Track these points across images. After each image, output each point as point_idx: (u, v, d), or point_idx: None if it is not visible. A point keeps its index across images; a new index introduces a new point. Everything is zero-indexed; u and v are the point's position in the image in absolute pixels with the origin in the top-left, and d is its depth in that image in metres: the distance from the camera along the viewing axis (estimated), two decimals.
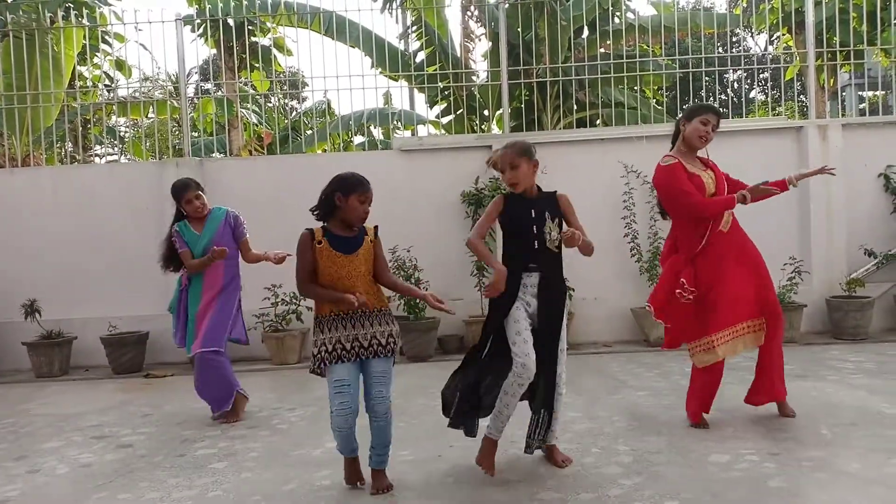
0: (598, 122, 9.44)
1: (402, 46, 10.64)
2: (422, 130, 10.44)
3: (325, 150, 10.95)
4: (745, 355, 3.90)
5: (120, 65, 10.95)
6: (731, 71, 8.89)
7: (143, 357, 6.71)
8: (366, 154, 8.61)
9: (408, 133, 11.52)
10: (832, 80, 12.29)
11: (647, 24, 9.32)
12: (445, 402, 3.32)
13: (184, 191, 4.51)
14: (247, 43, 9.69)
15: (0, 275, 7.10)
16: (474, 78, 10.66)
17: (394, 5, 10.53)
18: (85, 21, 8.05)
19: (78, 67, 9.88)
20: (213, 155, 12.49)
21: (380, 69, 9.17)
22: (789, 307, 6.33)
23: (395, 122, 11.23)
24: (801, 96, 10.99)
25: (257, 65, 11.46)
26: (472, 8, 10.77)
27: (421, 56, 10.59)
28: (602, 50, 10.66)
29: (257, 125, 13.81)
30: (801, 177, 3.88)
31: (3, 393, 5.95)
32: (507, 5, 8.08)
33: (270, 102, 14.55)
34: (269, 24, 9.78)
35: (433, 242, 6.81)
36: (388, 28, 25.21)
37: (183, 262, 4.52)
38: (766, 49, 16.96)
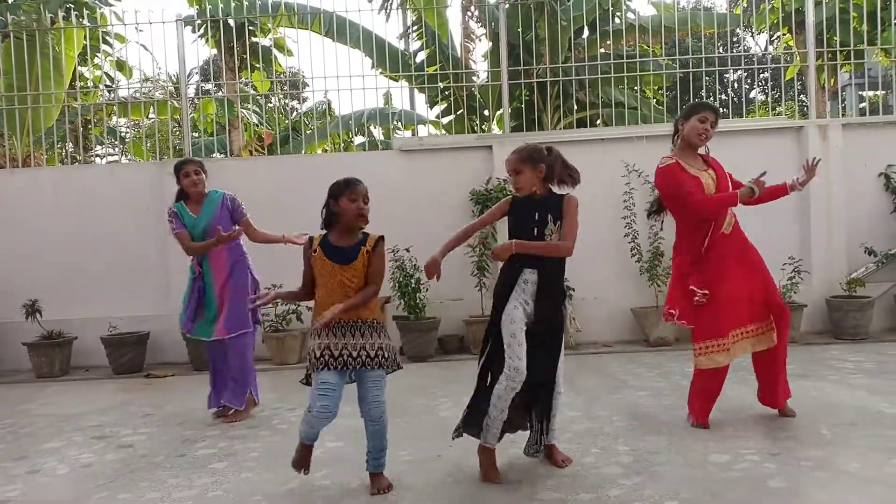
0: (598, 122, 9.44)
1: (402, 47, 10.64)
2: (422, 130, 10.44)
3: (325, 150, 10.96)
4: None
5: (120, 65, 10.96)
6: (732, 71, 8.89)
7: (144, 357, 6.72)
8: (366, 154, 8.61)
9: (408, 133, 11.53)
10: (832, 80, 12.29)
11: (647, 24, 9.32)
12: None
13: (184, 163, 4.55)
14: (247, 43, 9.70)
15: (0, 275, 7.11)
16: (474, 78, 10.66)
17: (392, 5, 10.53)
18: (85, 21, 8.06)
19: (78, 68, 9.89)
20: (214, 155, 12.49)
21: (380, 69, 9.17)
22: (789, 307, 6.33)
23: (395, 123, 11.24)
24: (802, 96, 10.98)
25: (258, 65, 11.47)
26: (473, 8, 10.78)
27: (421, 56, 10.60)
28: (602, 50, 10.67)
29: (258, 125, 13.81)
30: (804, 182, 3.79)
31: (3, 393, 5.95)
32: (507, 5, 8.08)
33: (271, 103, 14.56)
34: (269, 25, 9.79)
35: (433, 243, 6.68)
36: (389, 28, 25.19)
37: (180, 244, 4.50)
38: (766, 49, 16.95)
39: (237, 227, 4.44)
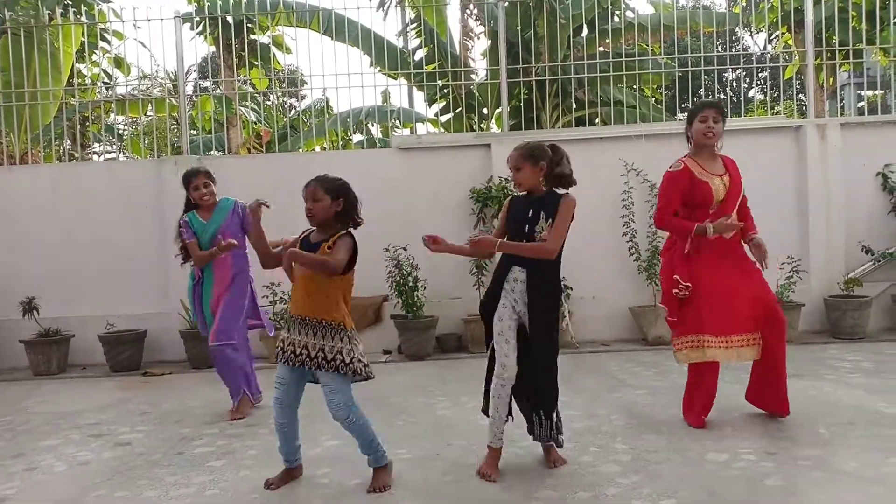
0: (597, 120, 9.45)
1: (400, 45, 10.63)
2: (420, 129, 10.44)
3: (323, 148, 10.95)
4: None
5: (119, 62, 10.93)
6: (731, 70, 8.88)
7: (141, 355, 6.71)
8: (364, 152, 8.60)
9: (406, 131, 11.52)
10: (831, 80, 12.28)
11: (646, 23, 9.32)
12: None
13: (193, 176, 4.53)
14: (246, 41, 9.68)
15: None
16: (473, 76, 10.64)
17: (391, 3, 10.52)
18: (83, 18, 8.05)
19: (76, 65, 9.86)
20: (212, 153, 12.47)
21: (378, 67, 9.16)
22: (787, 306, 6.34)
23: (393, 121, 11.22)
24: (800, 95, 11.00)
25: (256, 63, 11.43)
26: (472, 6, 10.77)
27: (420, 54, 10.59)
28: (601, 48, 10.66)
29: (256, 123, 13.78)
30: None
31: (0, 391, 5.94)
32: (506, 4, 8.07)
33: (269, 100, 14.54)
34: (268, 22, 9.77)
35: None
36: (387, 26, 25.20)
37: (191, 254, 4.52)
38: (765, 48, 16.95)
39: (232, 241, 4.39)
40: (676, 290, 3.69)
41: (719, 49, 7.83)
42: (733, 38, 8.60)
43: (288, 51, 12.76)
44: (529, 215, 3.16)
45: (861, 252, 6.75)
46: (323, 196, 3.02)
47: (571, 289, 6.60)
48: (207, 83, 12.41)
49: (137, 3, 9.03)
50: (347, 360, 2.94)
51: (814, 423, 3.71)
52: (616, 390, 4.79)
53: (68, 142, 11.25)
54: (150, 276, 7.01)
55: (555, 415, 3.22)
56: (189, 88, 12.39)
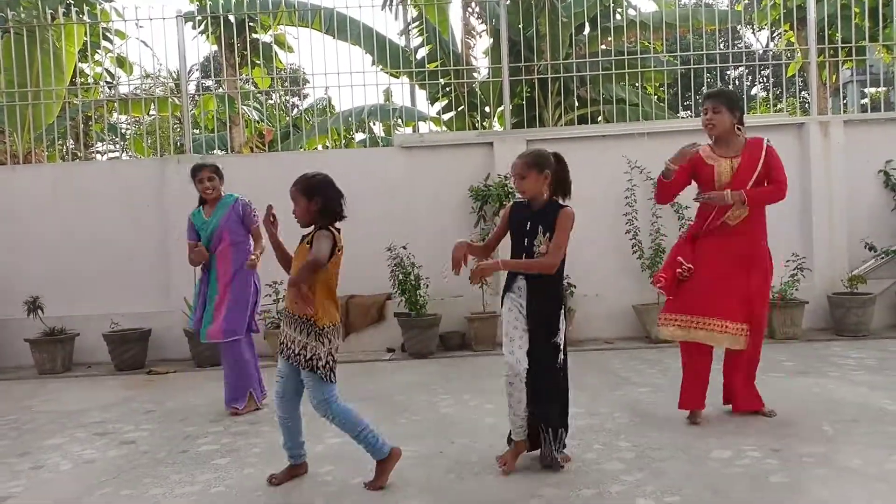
0: (599, 118, 9.43)
1: (402, 43, 10.62)
2: (423, 127, 10.43)
3: (326, 147, 10.95)
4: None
5: (121, 61, 10.94)
6: (733, 67, 8.88)
7: (146, 354, 6.72)
8: (367, 151, 8.61)
9: (409, 130, 11.51)
10: (834, 77, 12.25)
11: (648, 21, 9.31)
12: None
13: (199, 169, 4.57)
14: (248, 40, 9.68)
15: (2, 271, 7.12)
16: (475, 75, 10.64)
17: (394, 1, 10.51)
18: (86, 17, 8.06)
19: (79, 64, 9.88)
20: (215, 152, 12.47)
21: (380, 66, 9.16)
22: (791, 304, 6.34)
23: (395, 119, 11.22)
24: (803, 93, 10.97)
25: (258, 62, 11.45)
26: (473, 4, 10.75)
27: (422, 53, 10.57)
28: (603, 46, 10.63)
29: (258, 122, 13.79)
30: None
31: (5, 389, 5.96)
32: (507, 2, 8.07)
33: (271, 99, 14.54)
34: (270, 22, 9.77)
35: (433, 239, 6.80)
36: (389, 25, 25.16)
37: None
38: (767, 45, 16.92)
39: (202, 250, 4.47)
40: (680, 271, 3.75)
41: (721, 47, 7.82)
42: (735, 35, 8.58)
43: (290, 50, 12.78)
44: (528, 229, 3.19)
45: (864, 249, 6.74)
46: (299, 198, 3.05)
47: (575, 287, 6.60)
48: (210, 82, 12.42)
49: (139, 2, 9.07)
50: (321, 361, 2.96)
51: (818, 421, 3.71)
52: (619, 388, 4.79)
53: (71, 141, 11.28)
54: (152, 274, 7.02)
55: (561, 432, 3.17)
56: (191, 87, 12.39)
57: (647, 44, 9.55)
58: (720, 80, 7.80)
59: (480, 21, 10.84)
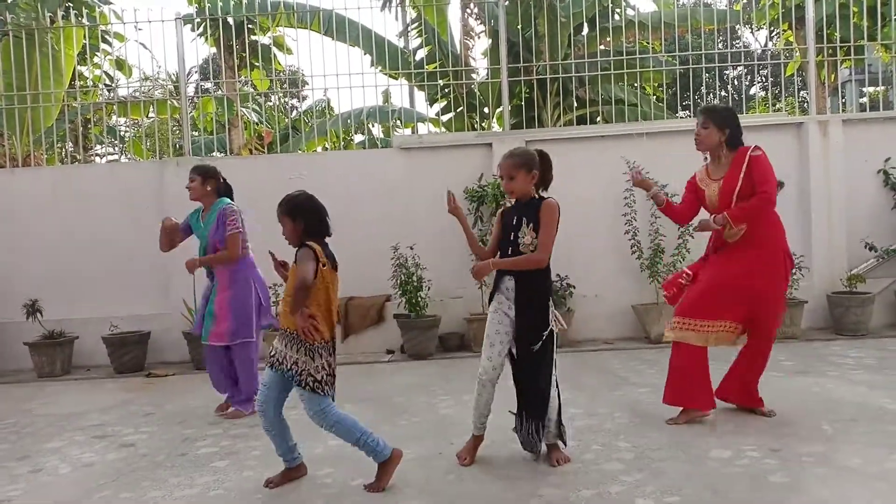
0: (598, 118, 9.44)
1: (401, 44, 10.63)
2: (422, 128, 10.44)
3: (325, 149, 10.96)
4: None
5: (120, 64, 10.95)
6: (732, 67, 8.87)
7: (145, 357, 6.72)
8: (365, 152, 8.61)
9: (408, 131, 11.52)
10: (833, 76, 12.26)
11: (646, 21, 9.31)
12: None
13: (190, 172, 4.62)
14: (247, 42, 9.70)
15: (1, 274, 7.12)
16: (474, 75, 10.65)
17: (393, 3, 10.52)
18: (85, 20, 8.06)
19: (78, 67, 9.88)
20: (214, 154, 12.49)
21: (379, 67, 9.17)
22: (790, 303, 6.33)
23: (394, 120, 11.23)
24: (802, 92, 10.98)
25: (257, 64, 11.47)
26: (472, 5, 10.77)
27: (421, 54, 10.59)
28: (602, 47, 10.65)
29: (257, 124, 13.81)
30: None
31: (5, 393, 5.96)
32: (506, 2, 8.08)
33: (270, 101, 14.55)
34: (268, 23, 9.78)
35: (433, 240, 6.81)
36: (388, 26, 25.20)
37: None
38: (766, 45, 16.93)
39: (192, 262, 4.50)
40: (681, 281, 3.91)
41: (720, 46, 7.81)
42: (734, 35, 8.58)
43: (289, 51, 12.80)
44: (514, 223, 3.23)
45: (864, 248, 6.74)
46: (285, 220, 3.09)
47: (574, 287, 6.59)
48: (209, 84, 12.42)
49: (138, 4, 9.07)
50: (310, 378, 2.96)
51: (817, 420, 3.71)
52: (619, 388, 4.79)
53: (70, 144, 11.28)
54: (151, 277, 7.02)
55: (544, 422, 3.22)
56: (190, 90, 12.40)
57: (645, 44, 9.55)
58: (719, 79, 7.80)
59: (479, 22, 10.86)
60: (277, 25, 9.90)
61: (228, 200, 4.64)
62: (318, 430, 3.91)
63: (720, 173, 3.81)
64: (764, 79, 25.21)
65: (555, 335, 3.24)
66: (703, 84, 7.96)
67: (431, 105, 10.52)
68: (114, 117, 10.95)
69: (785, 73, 11.66)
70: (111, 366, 6.60)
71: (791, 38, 12.16)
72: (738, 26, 9.36)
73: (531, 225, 3.16)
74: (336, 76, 7.41)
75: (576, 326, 6.70)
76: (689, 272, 3.93)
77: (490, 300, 3.32)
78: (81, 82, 10.39)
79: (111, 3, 10.84)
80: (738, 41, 8.66)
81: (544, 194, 3.31)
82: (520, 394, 3.29)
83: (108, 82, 11.22)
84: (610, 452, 3.37)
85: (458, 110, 9.95)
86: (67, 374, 6.66)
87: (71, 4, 8.98)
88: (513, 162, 3.21)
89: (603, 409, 4.20)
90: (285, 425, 3.19)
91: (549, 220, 3.14)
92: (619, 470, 3.12)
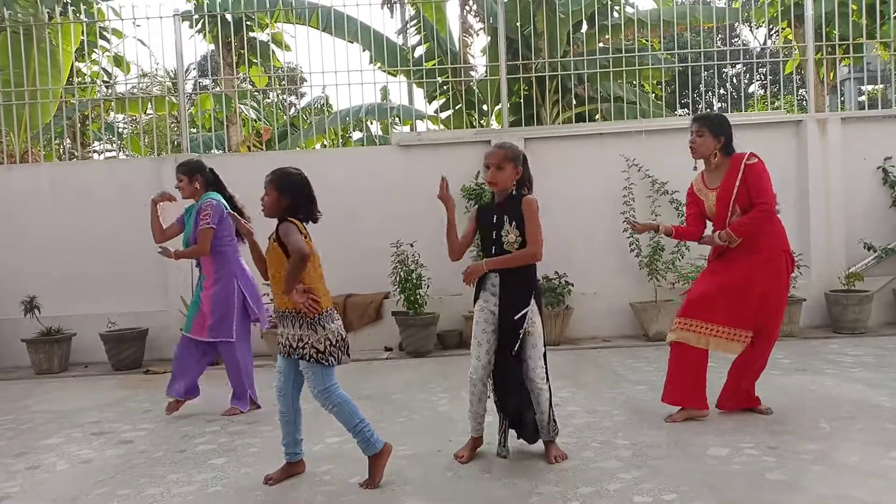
0: (597, 116, 9.43)
1: (400, 41, 10.62)
2: (420, 125, 10.43)
3: (323, 145, 10.95)
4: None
5: (118, 61, 10.92)
6: (731, 65, 8.87)
7: (143, 353, 6.72)
8: (364, 149, 8.60)
9: (406, 128, 11.51)
10: (832, 74, 12.26)
11: (645, 19, 9.30)
12: None
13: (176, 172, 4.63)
14: (245, 38, 9.67)
15: None
16: (473, 73, 10.64)
17: (392, 0, 10.51)
18: (83, 16, 8.04)
19: (76, 63, 9.86)
20: (212, 151, 12.47)
21: (378, 64, 9.15)
22: (788, 301, 6.33)
23: (393, 118, 11.22)
24: (801, 90, 10.97)
25: (255, 60, 11.43)
26: (471, 2, 10.76)
27: (420, 51, 10.58)
28: (601, 44, 10.65)
29: (256, 121, 13.78)
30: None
31: (2, 389, 5.95)
32: (505, 0, 8.06)
33: (269, 98, 14.53)
34: (267, 20, 9.76)
35: (432, 238, 6.78)
36: (387, 23, 25.15)
37: None
38: (765, 43, 16.92)
39: (166, 248, 4.49)
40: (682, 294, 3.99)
41: (719, 44, 7.82)
42: (733, 33, 8.58)
43: (287, 48, 12.74)
44: (494, 221, 3.23)
45: (862, 247, 6.74)
46: (272, 190, 3.07)
47: (572, 285, 6.59)
48: (207, 81, 12.40)
49: (137, 1, 9.04)
50: (312, 349, 2.99)
51: (815, 418, 3.71)
52: (617, 386, 4.79)
53: (68, 141, 11.25)
54: (150, 274, 7.00)
55: (541, 413, 3.24)
56: (189, 86, 12.38)
57: (644, 41, 9.54)
58: (718, 77, 7.80)
59: (478, 19, 10.86)
60: (276, 22, 9.89)
61: (215, 195, 4.57)
62: (318, 426, 3.93)
63: (716, 182, 3.81)
64: (763, 77, 25.21)
65: (541, 326, 3.25)
66: (702, 82, 7.96)
67: (430, 102, 10.52)
68: (112, 114, 10.94)
69: (784, 71, 11.67)
70: (109, 363, 6.59)
71: (790, 36, 12.14)
72: (737, 24, 9.36)
73: (514, 223, 3.17)
74: (335, 73, 7.40)
75: (574, 324, 6.71)
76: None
77: (475, 299, 3.32)
78: (79, 79, 10.36)
79: (109, 0, 10.81)
80: (736, 39, 8.67)
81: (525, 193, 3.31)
82: (507, 389, 3.27)
83: (106, 79, 11.18)
84: (608, 450, 3.37)
85: (456, 107, 9.94)
86: (65, 370, 6.65)
87: (69, 0, 8.96)
88: (504, 153, 3.21)
89: (601, 407, 4.20)
90: (300, 415, 3.21)
91: (533, 214, 3.16)
92: (617, 467, 3.12)
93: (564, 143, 7.00)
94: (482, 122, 10.43)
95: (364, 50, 8.72)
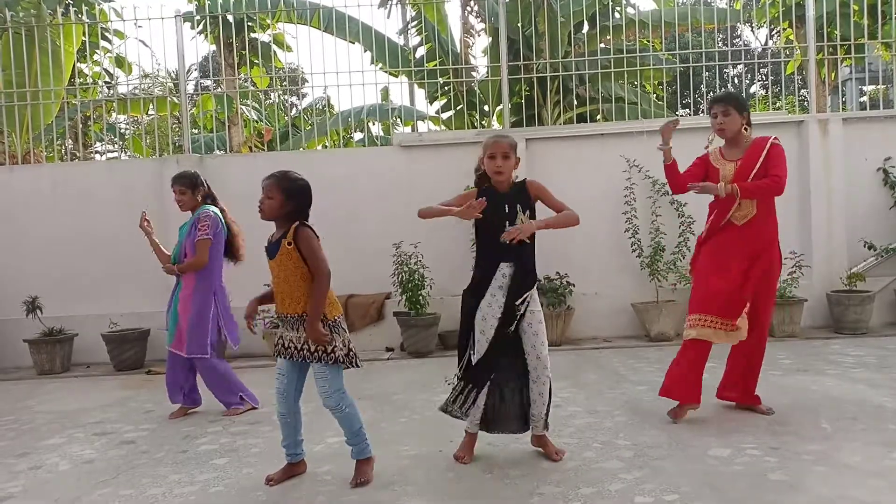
0: (598, 117, 9.43)
1: (401, 42, 10.63)
2: (421, 126, 10.44)
3: (325, 146, 10.95)
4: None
5: (120, 61, 10.94)
6: (732, 66, 8.87)
7: (145, 354, 6.73)
8: (366, 150, 8.61)
9: (408, 129, 11.52)
10: (833, 75, 12.25)
11: (647, 19, 9.31)
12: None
13: (172, 183, 4.55)
14: (246, 39, 9.68)
15: (1, 272, 7.11)
16: (474, 73, 10.65)
17: (393, 1, 10.53)
18: (85, 17, 8.05)
19: (78, 64, 9.88)
20: (214, 152, 12.48)
21: (380, 65, 9.16)
22: (790, 301, 6.34)
23: (394, 118, 11.22)
24: (802, 90, 10.96)
25: (257, 61, 11.45)
26: (472, 3, 10.76)
27: (421, 51, 10.58)
28: (602, 45, 10.65)
29: (257, 122, 13.79)
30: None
31: (4, 390, 5.96)
32: (506, 0, 8.07)
33: (270, 99, 14.54)
34: (268, 21, 9.78)
35: (433, 238, 6.80)
36: (388, 23, 25.16)
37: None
38: (766, 43, 16.91)
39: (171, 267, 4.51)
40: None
41: (720, 45, 7.80)
42: (734, 33, 8.58)
43: (289, 49, 12.76)
44: (507, 211, 3.24)
45: (863, 247, 6.74)
46: (277, 194, 3.04)
47: (574, 285, 6.60)
48: (208, 82, 12.41)
49: (138, 2, 9.08)
50: (329, 350, 3.00)
51: (817, 418, 3.71)
52: (618, 386, 4.79)
53: (70, 141, 11.27)
54: (151, 274, 6.96)
55: (542, 405, 3.28)
56: (190, 87, 12.39)
57: (645, 42, 9.55)
58: (719, 78, 7.80)
59: (479, 20, 10.86)
60: (277, 22, 9.90)
61: (211, 207, 4.54)
62: (319, 426, 3.94)
63: (736, 155, 3.82)
64: (764, 77, 25.20)
65: (541, 314, 3.27)
66: (704, 82, 7.96)
67: (431, 103, 10.52)
68: (113, 115, 10.95)
69: (785, 72, 11.65)
70: (111, 363, 6.60)
71: (791, 37, 12.13)
72: (738, 24, 9.36)
73: (527, 212, 3.22)
74: (336, 74, 7.41)
75: (576, 325, 6.71)
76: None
77: (474, 292, 3.28)
78: (81, 79, 10.38)
79: (111, 1, 10.84)
80: (738, 39, 8.66)
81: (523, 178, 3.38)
82: (502, 380, 3.28)
83: (107, 79, 11.21)
84: (609, 450, 3.37)
85: (457, 108, 9.94)
86: (67, 371, 6.66)
87: (71, 1, 8.98)
88: (508, 143, 3.27)
89: (603, 408, 4.20)
90: (300, 416, 3.22)
91: (544, 188, 3.28)
92: (618, 468, 3.12)
93: (565, 144, 7.00)
94: (483, 122, 10.44)
95: (365, 50, 8.72)
